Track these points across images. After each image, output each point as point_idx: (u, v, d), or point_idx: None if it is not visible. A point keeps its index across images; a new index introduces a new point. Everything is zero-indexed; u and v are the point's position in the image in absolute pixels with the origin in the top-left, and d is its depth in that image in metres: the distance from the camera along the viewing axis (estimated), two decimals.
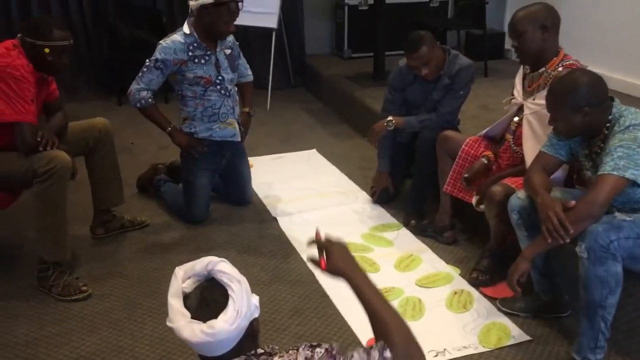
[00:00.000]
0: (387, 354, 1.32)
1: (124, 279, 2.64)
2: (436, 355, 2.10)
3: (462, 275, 2.60)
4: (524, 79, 2.57)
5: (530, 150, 2.40)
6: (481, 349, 2.12)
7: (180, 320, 1.37)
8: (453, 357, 2.09)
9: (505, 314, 2.32)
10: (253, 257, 2.80)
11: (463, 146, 2.73)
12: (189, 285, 1.41)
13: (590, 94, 1.92)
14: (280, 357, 1.37)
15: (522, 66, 2.61)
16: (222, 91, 2.96)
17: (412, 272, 2.63)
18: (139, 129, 4.28)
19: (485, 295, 2.44)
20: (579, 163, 2.15)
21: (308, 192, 3.40)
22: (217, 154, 3.07)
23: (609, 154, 1.84)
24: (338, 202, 3.31)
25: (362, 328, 2.25)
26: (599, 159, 1.97)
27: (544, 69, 2.40)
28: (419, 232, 2.96)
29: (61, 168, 2.37)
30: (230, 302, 1.38)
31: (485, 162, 2.61)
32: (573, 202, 1.89)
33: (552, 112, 2.01)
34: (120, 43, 4.97)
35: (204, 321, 1.37)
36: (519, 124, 2.51)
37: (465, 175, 2.57)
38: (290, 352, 1.39)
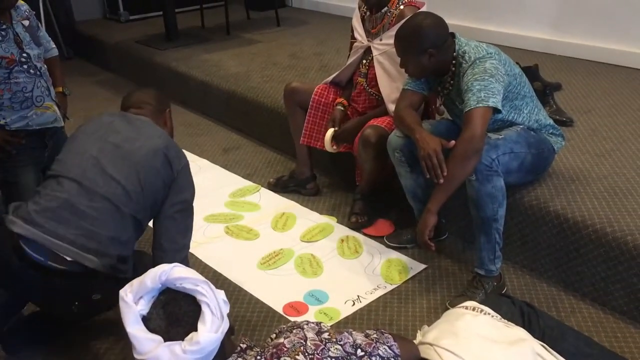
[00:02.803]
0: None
1: None
2: (353, 305, 2.11)
3: (340, 222, 2.63)
4: (362, 20, 2.62)
5: (387, 89, 2.48)
6: (390, 287, 2.19)
7: (153, 347, 1.17)
8: (369, 301, 2.13)
9: (395, 248, 2.42)
10: None
11: (313, 96, 2.71)
12: (144, 306, 1.20)
13: (434, 35, 2.04)
14: (285, 337, 1.26)
15: (357, 8, 2.64)
16: (32, 70, 2.48)
17: (291, 230, 2.58)
18: None
19: (369, 236, 2.52)
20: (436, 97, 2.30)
21: None
22: (38, 144, 2.60)
23: (469, 91, 1.96)
24: None
25: (271, 297, 2.16)
26: (452, 94, 2.13)
27: (386, 8, 2.46)
28: (280, 188, 2.91)
29: None
30: (204, 308, 1.21)
31: (342, 108, 2.63)
32: (453, 142, 1.97)
33: (401, 56, 2.12)
34: None
35: (181, 339, 1.18)
36: (370, 66, 2.56)
37: (335, 128, 2.56)
38: (294, 330, 1.28)
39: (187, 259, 1.93)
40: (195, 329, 1.19)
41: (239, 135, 3.60)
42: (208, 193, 2.90)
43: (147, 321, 1.19)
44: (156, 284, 1.22)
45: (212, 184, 3.00)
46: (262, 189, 2.94)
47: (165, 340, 1.17)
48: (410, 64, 2.10)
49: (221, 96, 3.70)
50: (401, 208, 2.55)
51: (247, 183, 3.00)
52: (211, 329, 1.19)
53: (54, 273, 1.66)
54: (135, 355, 1.17)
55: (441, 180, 1.93)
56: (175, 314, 1.20)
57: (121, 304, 1.18)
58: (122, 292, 1.20)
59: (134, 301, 1.18)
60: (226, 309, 1.25)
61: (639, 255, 1.90)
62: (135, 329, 1.17)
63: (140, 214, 1.80)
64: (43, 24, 4.47)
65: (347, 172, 2.82)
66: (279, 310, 2.09)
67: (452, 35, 2.10)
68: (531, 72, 3.13)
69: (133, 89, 2.16)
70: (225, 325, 1.22)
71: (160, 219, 1.87)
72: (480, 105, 1.93)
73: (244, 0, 5.42)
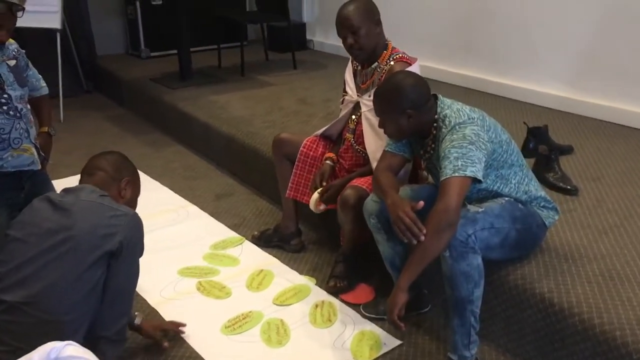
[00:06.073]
0: None
1: None
2: None
3: (319, 284, 2.48)
4: (354, 75, 2.51)
5: (373, 147, 2.35)
6: None
7: None
8: None
9: (371, 319, 2.25)
10: None
11: (301, 148, 2.60)
12: None
13: (414, 95, 1.91)
14: None
15: (350, 62, 2.54)
16: (11, 112, 2.44)
17: (266, 290, 2.44)
18: None
19: (346, 303, 2.35)
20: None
21: None
22: (14, 186, 2.54)
23: (446, 158, 1.83)
24: (168, 222, 2.99)
25: None
26: (433, 159, 1.98)
27: (376, 63, 2.35)
28: (264, 243, 2.78)
29: None
30: None
31: (331, 164, 2.51)
32: (421, 203, 1.83)
33: (380, 116, 1.99)
34: None
35: None
36: (358, 122, 2.44)
37: (324, 184, 2.43)
38: None
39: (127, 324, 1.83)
40: None
41: (235, 181, 3.50)
42: (189, 242, 2.79)
43: None
44: None
45: (195, 233, 2.89)
46: (246, 242, 2.81)
47: None
48: (388, 124, 1.97)
49: (221, 140, 3.62)
50: (384, 273, 2.38)
51: (232, 234, 2.88)
52: None
53: None
54: None
55: (422, 238, 1.76)
56: None
57: None
58: None
59: None
60: None
61: (628, 354, 1.68)
62: None
63: (71, 314, 1.64)
64: (59, 58, 4.52)
65: (334, 229, 2.68)
66: None
67: (435, 97, 1.97)
68: (540, 134, 2.96)
69: (99, 153, 2.02)
70: None
71: (104, 285, 1.72)
72: (457, 174, 1.77)
73: (264, 42, 5.40)
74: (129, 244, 1.70)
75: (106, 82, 5.23)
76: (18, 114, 2.46)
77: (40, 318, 1.59)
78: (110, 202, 1.78)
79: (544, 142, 2.87)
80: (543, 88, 3.75)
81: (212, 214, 3.09)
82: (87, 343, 1.69)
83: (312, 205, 2.46)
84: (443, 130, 1.89)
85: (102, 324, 1.72)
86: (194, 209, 3.14)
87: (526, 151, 2.93)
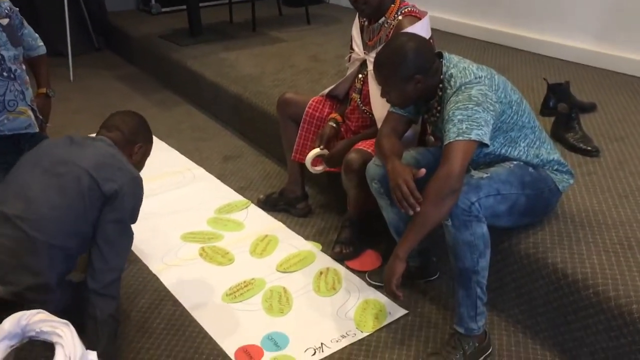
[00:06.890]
0: None
1: None
2: (314, 354, 1.88)
3: (324, 250, 2.40)
4: (361, 31, 2.37)
5: (379, 108, 2.22)
6: (360, 335, 1.95)
7: None
8: (332, 351, 1.89)
9: (376, 287, 2.17)
10: None
11: (307, 109, 2.49)
12: (1, 351, 1.12)
13: (420, 60, 1.78)
14: None
15: (357, 17, 2.40)
16: (5, 73, 2.36)
17: (270, 256, 2.37)
18: None
19: (352, 270, 2.28)
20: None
21: None
22: (12, 149, 2.49)
23: (450, 121, 1.71)
24: (174, 185, 2.93)
25: (226, 336, 1.96)
26: (439, 122, 1.86)
27: (383, 19, 2.20)
28: (270, 206, 2.70)
29: None
30: (58, 349, 1.16)
31: (334, 125, 2.40)
32: (423, 171, 1.74)
33: (383, 85, 1.86)
34: None
35: None
36: (365, 81, 2.31)
37: (321, 147, 2.33)
38: None
39: (118, 283, 1.79)
40: None
41: (243, 142, 3.42)
42: (193, 207, 2.73)
43: None
44: (15, 328, 1.17)
45: (200, 196, 2.82)
46: (252, 205, 2.74)
47: None
48: (394, 92, 1.83)
49: (229, 99, 3.52)
50: (391, 239, 2.29)
51: (237, 198, 2.81)
52: None
53: None
54: None
55: (417, 209, 1.68)
56: None
57: None
58: None
59: None
60: (82, 354, 1.18)
61: None
62: None
63: (58, 240, 1.68)
64: (67, 15, 4.41)
65: (341, 192, 2.58)
66: (231, 354, 1.88)
67: (440, 55, 1.83)
68: (561, 90, 2.79)
69: (119, 110, 2.02)
70: None
71: (95, 236, 1.75)
72: (461, 138, 1.65)
73: None
74: (124, 196, 1.72)
75: (116, 39, 5.13)
76: (12, 75, 2.39)
77: (29, 235, 1.63)
78: (122, 157, 1.83)
79: (564, 100, 2.70)
80: (567, 41, 3.54)
81: (218, 177, 3.01)
82: (76, 302, 1.73)
83: (307, 164, 2.37)
84: (448, 91, 1.76)
85: (92, 275, 1.73)
86: (200, 171, 3.07)
87: (546, 109, 2.78)
